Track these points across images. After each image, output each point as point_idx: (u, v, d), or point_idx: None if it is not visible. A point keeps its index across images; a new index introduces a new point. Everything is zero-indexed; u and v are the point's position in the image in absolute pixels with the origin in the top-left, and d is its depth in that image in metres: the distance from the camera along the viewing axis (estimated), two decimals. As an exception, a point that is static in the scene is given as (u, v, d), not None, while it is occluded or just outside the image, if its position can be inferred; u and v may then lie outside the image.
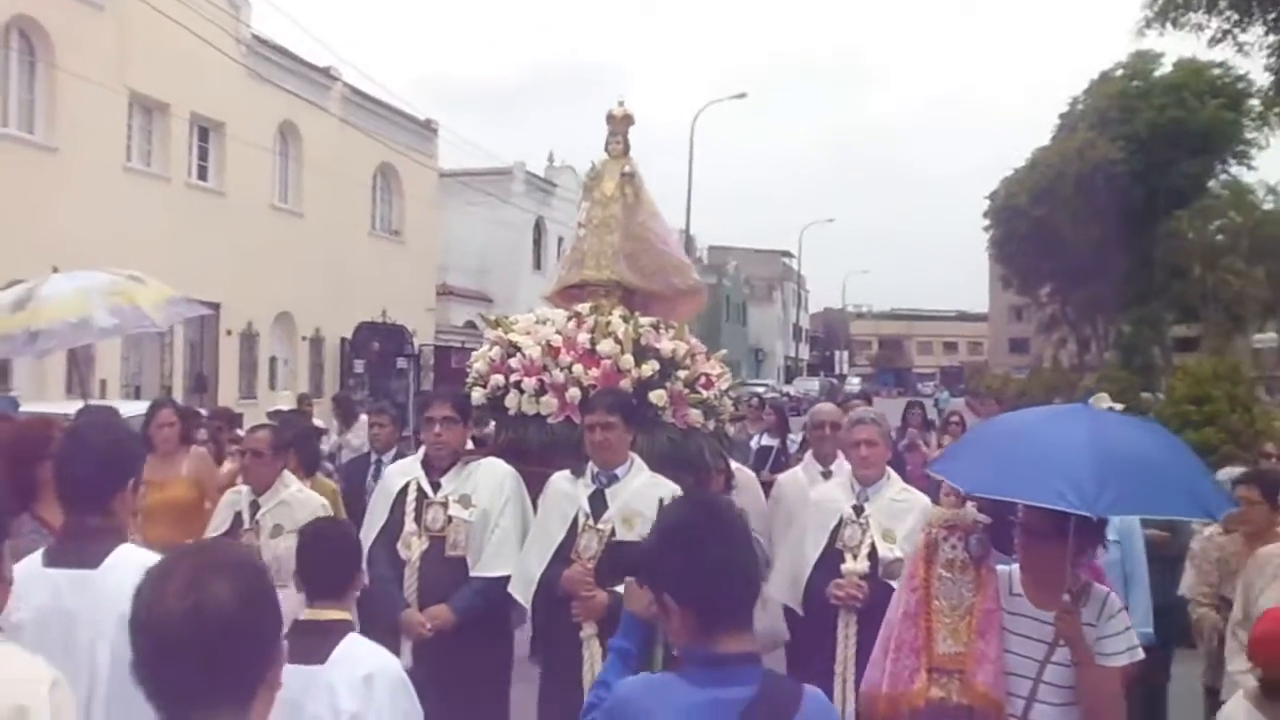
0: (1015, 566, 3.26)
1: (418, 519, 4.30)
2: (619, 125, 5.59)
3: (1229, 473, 6.00)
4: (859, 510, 4.39)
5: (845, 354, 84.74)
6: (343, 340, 24.97)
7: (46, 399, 13.48)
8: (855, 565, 4.27)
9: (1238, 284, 32.63)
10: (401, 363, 26.57)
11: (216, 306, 20.07)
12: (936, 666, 3.20)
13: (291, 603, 3.99)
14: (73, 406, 7.90)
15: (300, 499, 4.59)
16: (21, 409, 9.12)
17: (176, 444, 5.87)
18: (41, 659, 1.99)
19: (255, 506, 4.58)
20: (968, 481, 3.33)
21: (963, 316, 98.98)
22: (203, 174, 20.99)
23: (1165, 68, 36.54)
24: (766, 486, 10.27)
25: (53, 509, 4.09)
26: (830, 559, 4.34)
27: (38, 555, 2.62)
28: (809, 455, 5.77)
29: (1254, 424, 9.90)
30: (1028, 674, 3.09)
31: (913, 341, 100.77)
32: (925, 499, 4.51)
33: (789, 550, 4.73)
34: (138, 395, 17.73)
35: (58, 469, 2.79)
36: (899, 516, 4.35)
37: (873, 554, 4.27)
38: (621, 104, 5.62)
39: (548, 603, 4.18)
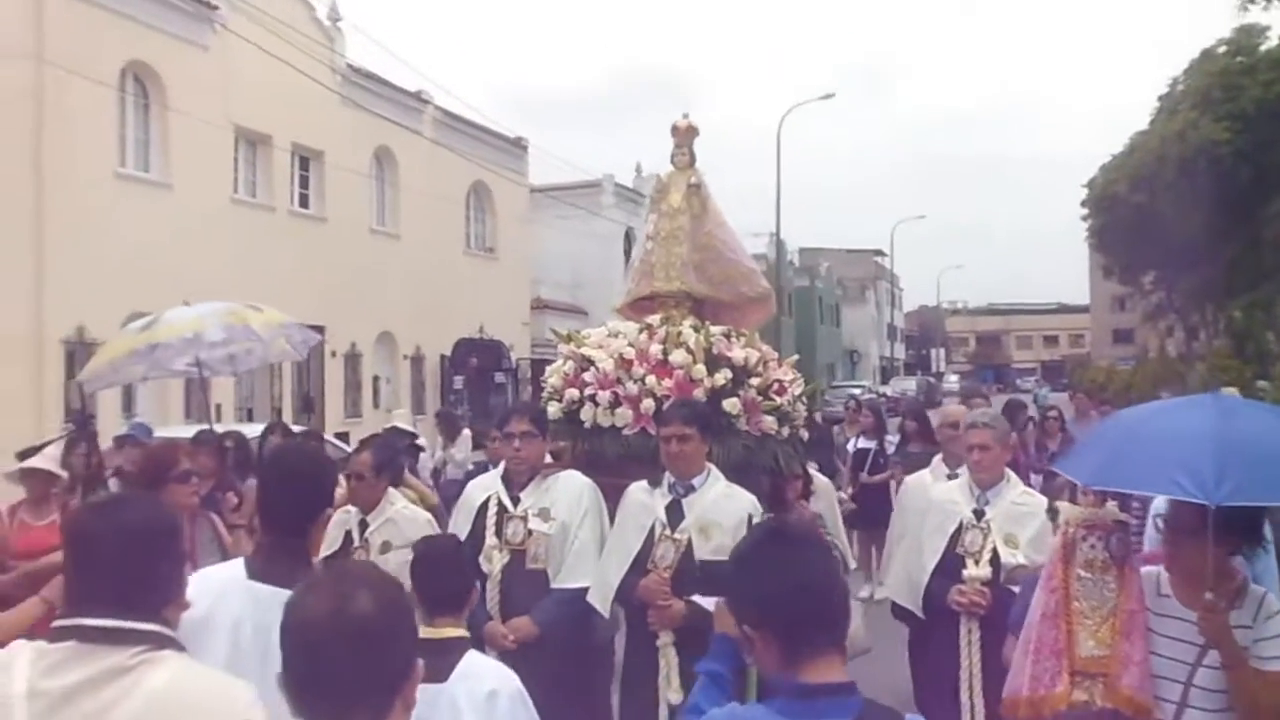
0: (1164, 566, 3.17)
1: (498, 533, 4.36)
2: (684, 137, 5.63)
3: None
4: (979, 514, 4.31)
5: (941, 352, 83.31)
6: (442, 357, 25.56)
7: (168, 424, 14.17)
8: (977, 571, 4.21)
9: (1357, 264, 31.19)
10: (499, 377, 27.12)
11: (321, 329, 20.74)
12: (1079, 669, 3.12)
13: None
14: (191, 430, 8.38)
15: (407, 516, 4.68)
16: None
17: None
18: (232, 674, 2.07)
19: (364, 525, 4.67)
20: (1084, 474, 3.27)
21: (1063, 309, 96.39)
22: (304, 201, 21.77)
23: (1271, 41, 35.13)
24: (866, 488, 10.24)
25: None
26: (950, 564, 4.29)
27: (240, 565, 2.77)
28: (938, 458, 5.73)
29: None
30: (1178, 678, 2.97)
31: (1011, 336, 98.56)
32: (1046, 501, 4.43)
33: (906, 553, 4.70)
34: (250, 418, 18.48)
35: (262, 490, 3.04)
36: (1021, 520, 4.27)
37: (994, 559, 4.20)
38: (686, 116, 5.67)
39: (627, 611, 4.24)
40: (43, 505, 5.28)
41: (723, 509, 4.08)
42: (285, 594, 2.41)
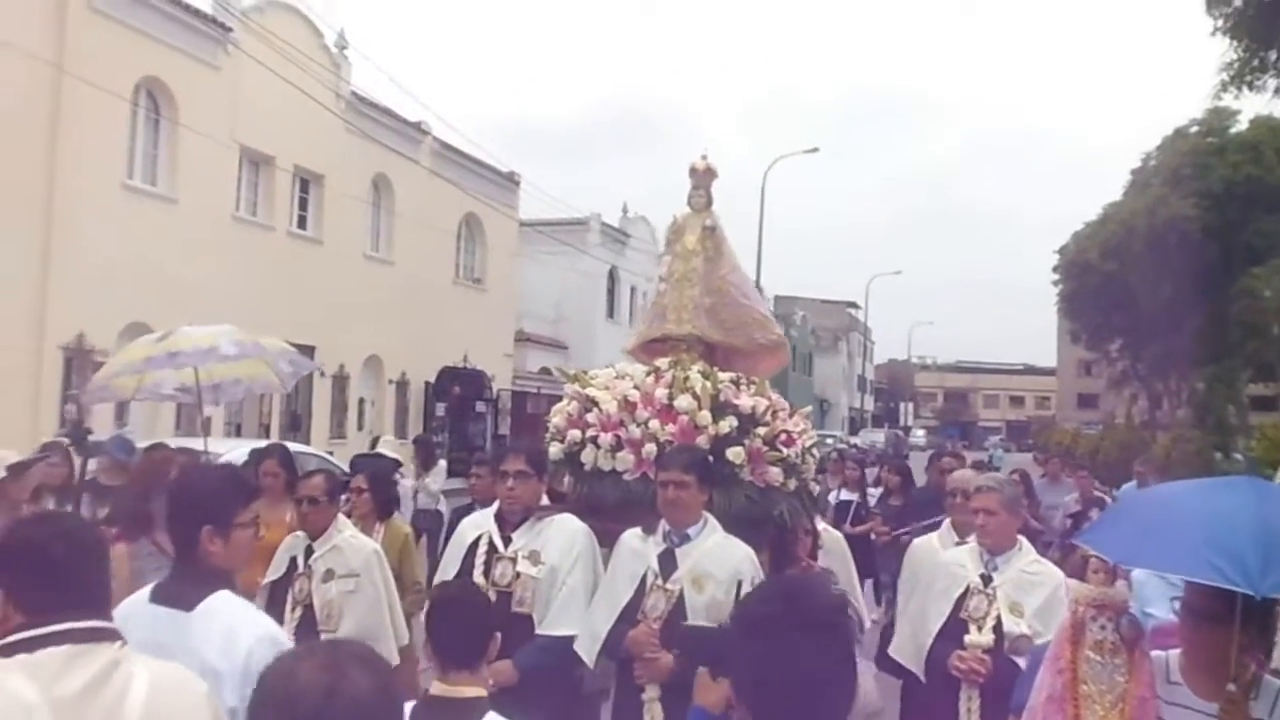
0: (1175, 652, 3.03)
1: (486, 573, 4.19)
2: (702, 179, 5.50)
3: None
4: (986, 580, 4.21)
5: (910, 406, 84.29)
6: (427, 384, 25.83)
7: (157, 437, 14.35)
8: (979, 638, 4.09)
9: (1317, 343, 32.16)
10: (480, 406, 27.39)
11: (312, 349, 21.04)
12: None
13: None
14: (179, 444, 8.61)
15: (353, 545, 4.52)
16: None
17: (281, 492, 5.67)
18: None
19: (310, 551, 4.51)
20: (1115, 551, 3.12)
21: (1030, 370, 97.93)
22: (302, 223, 22.12)
23: (1241, 125, 36.41)
24: (847, 539, 10.48)
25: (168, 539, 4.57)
26: (954, 628, 4.18)
27: (146, 590, 2.71)
28: (947, 523, 5.47)
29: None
30: None
31: (978, 394, 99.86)
32: (1059, 573, 4.33)
33: (912, 616, 4.59)
34: (239, 433, 18.68)
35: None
36: (1029, 589, 4.16)
37: (998, 627, 4.09)
38: (704, 158, 5.53)
39: (615, 663, 4.08)
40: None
41: (717, 560, 3.95)
42: (178, 615, 2.54)
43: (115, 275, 16.18)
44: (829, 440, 32.92)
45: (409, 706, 2.58)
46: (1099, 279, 39.44)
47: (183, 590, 2.59)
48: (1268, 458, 12.30)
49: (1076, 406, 74.11)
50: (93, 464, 7.34)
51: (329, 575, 4.38)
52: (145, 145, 17.95)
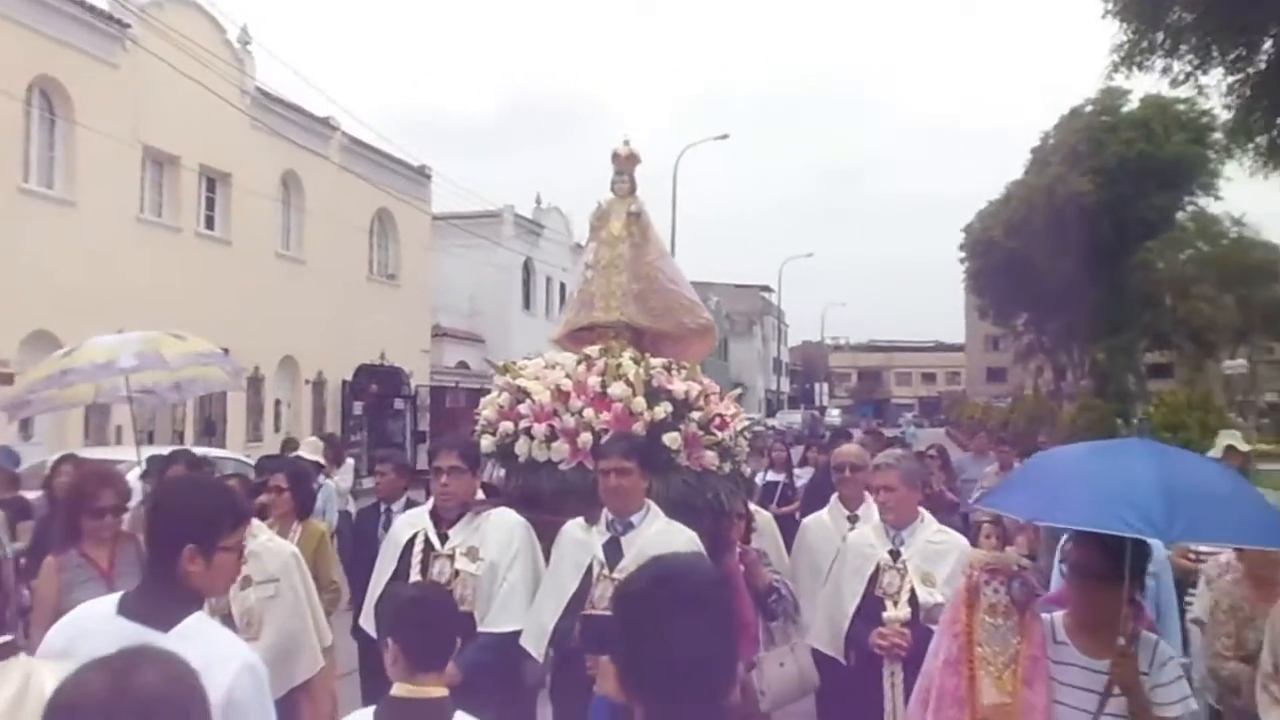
0: (1059, 613, 3.15)
1: (424, 572, 4.11)
2: (625, 164, 5.45)
3: None
4: (895, 555, 4.28)
5: (825, 386, 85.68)
6: (344, 383, 25.47)
7: (65, 447, 13.94)
8: (896, 612, 4.16)
9: (1208, 311, 33.64)
10: (398, 404, 27.13)
11: (225, 352, 20.54)
12: (982, 718, 3.04)
13: (257, 654, 4.14)
14: (91, 453, 8.41)
15: (270, 549, 4.39)
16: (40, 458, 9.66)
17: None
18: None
19: None
20: (1019, 509, 3.25)
21: (940, 347, 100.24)
22: (210, 224, 21.55)
23: (1133, 103, 37.72)
24: (775, 521, 10.63)
25: (99, 549, 4.42)
26: (870, 607, 4.23)
27: (114, 600, 2.60)
28: (835, 498, 5.51)
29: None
30: None
31: (891, 373, 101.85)
32: (964, 540, 4.49)
33: (827, 599, 4.58)
34: (151, 440, 18.18)
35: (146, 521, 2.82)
36: (936, 559, 4.24)
37: (913, 599, 4.17)
38: (627, 143, 5.48)
39: (560, 654, 4.02)
40: None
41: (663, 546, 3.76)
42: (149, 633, 2.35)
43: (14, 283, 15.63)
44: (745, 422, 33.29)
45: (371, 711, 2.62)
46: (1003, 256, 40.60)
47: (157, 608, 2.46)
48: (1165, 422, 12.88)
49: (986, 380, 76.25)
50: None
51: (246, 582, 4.23)
52: (41, 147, 17.30)
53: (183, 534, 2.51)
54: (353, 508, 10.15)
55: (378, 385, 25.81)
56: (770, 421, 49.90)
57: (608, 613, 3.10)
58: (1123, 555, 2.80)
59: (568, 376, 4.83)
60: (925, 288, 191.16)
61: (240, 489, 4.57)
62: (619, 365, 4.78)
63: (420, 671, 2.58)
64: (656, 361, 4.89)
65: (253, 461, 11.96)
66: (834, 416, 61.79)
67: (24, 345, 15.75)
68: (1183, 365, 33.53)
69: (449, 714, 2.54)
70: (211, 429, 20.80)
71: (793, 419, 54.05)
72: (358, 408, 25.68)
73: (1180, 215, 38.26)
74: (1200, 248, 35.22)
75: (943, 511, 8.96)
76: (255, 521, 4.50)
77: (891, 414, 77.24)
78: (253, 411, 22.63)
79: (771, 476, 10.70)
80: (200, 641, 2.42)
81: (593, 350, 5.04)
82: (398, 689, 2.59)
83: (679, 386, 4.76)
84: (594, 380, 4.74)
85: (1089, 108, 39.03)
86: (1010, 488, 3.60)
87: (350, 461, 11.34)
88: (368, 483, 11.29)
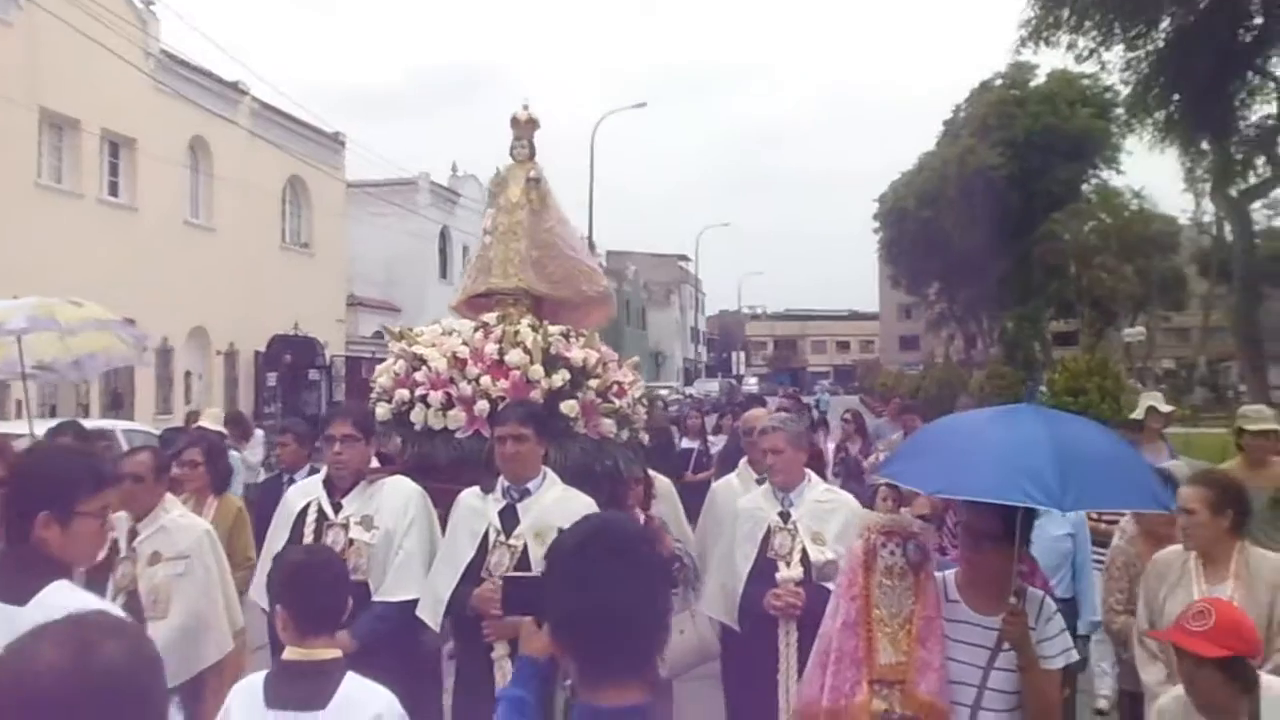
0: (950, 572, 3.23)
1: (317, 541, 4.04)
2: (524, 130, 5.39)
3: None
4: (785, 517, 4.33)
5: (742, 355, 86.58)
6: (257, 353, 24.99)
7: (-36, 420, 13.51)
8: (789, 573, 4.20)
9: (1110, 281, 34.75)
10: (313, 374, 26.71)
11: (131, 322, 20.00)
12: (878, 678, 3.08)
13: (162, 635, 3.87)
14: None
15: (182, 525, 4.27)
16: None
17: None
18: None
19: (134, 534, 4.20)
20: (921, 482, 3.29)
21: (854, 315, 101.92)
22: (114, 190, 20.89)
23: (1040, 78, 38.68)
24: (690, 488, 10.77)
25: None
26: (763, 569, 4.26)
27: None
28: (744, 462, 5.54)
29: (1120, 413, 11.01)
30: (971, 681, 3.02)
31: (807, 341, 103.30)
32: (850, 498, 4.57)
33: (719, 564, 4.57)
34: (54, 414, 17.65)
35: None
36: (825, 518, 4.31)
37: (805, 559, 4.22)
38: (526, 108, 5.41)
39: (459, 622, 4.00)
40: None
41: (560, 513, 3.77)
42: (9, 610, 2.24)
43: (-95, 251, 15.02)
44: (663, 392, 33.54)
45: (263, 675, 2.64)
46: (915, 226, 41.43)
47: (14, 581, 2.35)
48: (1066, 387, 13.38)
49: (899, 349, 77.80)
50: None
51: (155, 558, 4.12)
52: (-69, 110, 16.62)
53: (37, 500, 2.43)
54: (262, 479, 10.03)
55: (292, 356, 25.38)
56: (688, 390, 50.33)
57: (532, 574, 3.31)
58: (1012, 517, 2.91)
59: (465, 344, 4.77)
60: (840, 257, 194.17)
61: (153, 461, 4.36)
62: (516, 332, 4.75)
63: (311, 635, 2.61)
64: (554, 329, 4.87)
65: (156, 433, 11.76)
66: (751, 385, 62.51)
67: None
68: (1085, 334, 34.62)
69: (340, 675, 2.57)
70: (119, 402, 20.26)
71: (710, 387, 54.45)
72: (271, 379, 25.23)
73: (1084, 188, 39.45)
74: (1103, 219, 36.31)
75: (855, 481, 9.25)
76: (168, 496, 4.40)
77: (807, 382, 78.40)
78: (162, 383, 22.09)
79: (686, 444, 10.83)
80: (59, 608, 2.32)
81: (490, 317, 5.01)
82: (289, 652, 2.61)
83: (577, 354, 4.75)
84: (491, 347, 4.70)
85: (998, 81, 39.90)
86: (908, 456, 3.60)
87: (260, 434, 11.13)
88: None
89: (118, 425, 12.48)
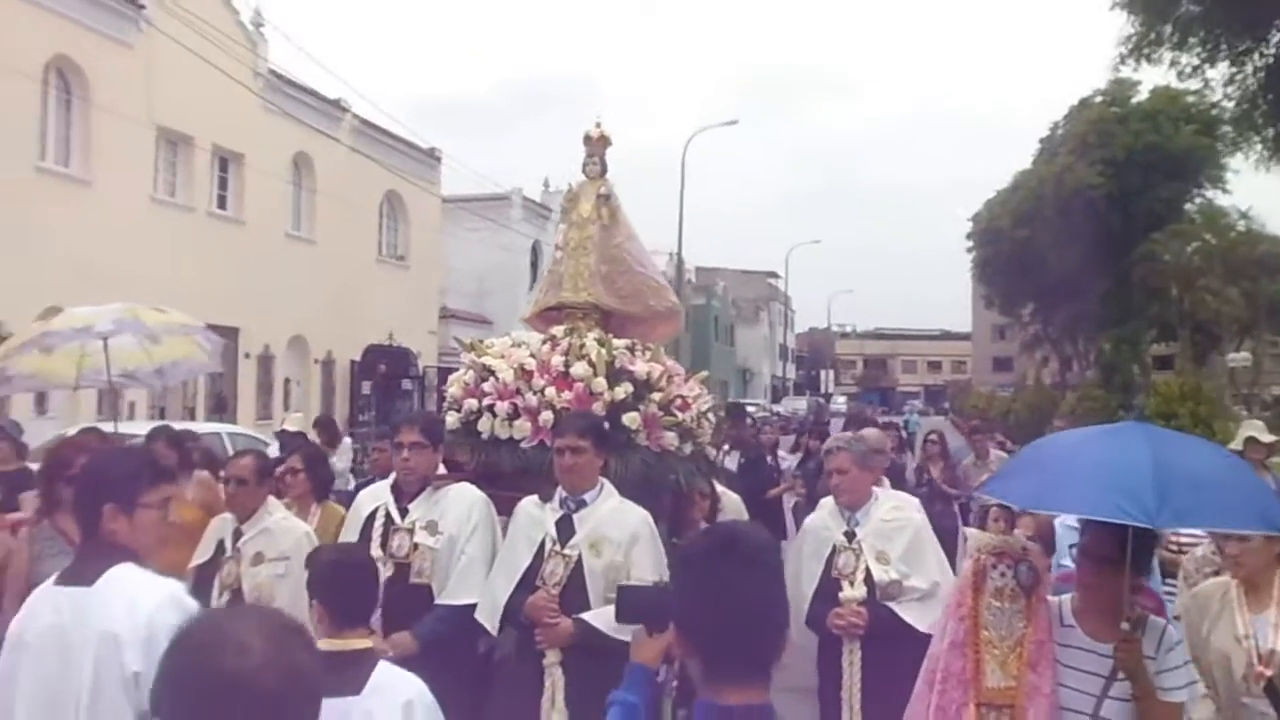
0: (1067, 596, 3.16)
1: (384, 545, 4.18)
2: (596, 147, 5.50)
3: None
4: (850, 536, 4.36)
5: (830, 373, 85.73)
6: (352, 362, 25.75)
7: (78, 422, 14.24)
8: (852, 592, 4.24)
9: (1214, 304, 33.66)
10: (406, 384, 27.38)
11: (235, 330, 20.89)
12: (986, 701, 3.05)
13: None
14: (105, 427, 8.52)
15: (283, 527, 4.44)
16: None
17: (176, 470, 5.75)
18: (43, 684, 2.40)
19: (239, 534, 4.39)
20: (1019, 498, 3.24)
21: (946, 335, 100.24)
22: (223, 203, 21.85)
23: (1142, 95, 37.68)
24: (760, 504, 10.57)
25: (72, 522, 4.31)
26: (828, 588, 4.32)
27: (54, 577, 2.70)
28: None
29: (1215, 440, 10.74)
30: (1083, 709, 2.93)
31: (897, 360, 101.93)
32: (919, 516, 4.57)
33: (787, 583, 4.84)
34: (162, 416, 18.48)
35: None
36: (891, 536, 4.34)
37: (869, 578, 4.25)
38: (599, 125, 5.51)
39: (516, 629, 4.10)
40: None
41: (614, 524, 3.99)
42: (78, 591, 2.51)
43: (31, 260, 15.88)
44: (750, 409, 33.46)
45: None
46: (1010, 245, 40.61)
47: (84, 569, 2.57)
48: (1158, 411, 13.07)
49: (992, 370, 76.22)
50: None
51: (259, 559, 4.28)
52: (58, 126, 17.60)
53: (102, 494, 2.63)
54: (352, 487, 10.34)
55: (386, 365, 26.06)
56: (775, 408, 50.17)
57: (646, 584, 3.36)
58: (1126, 538, 2.83)
59: (532, 356, 4.89)
60: (933, 275, 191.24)
61: (255, 465, 4.57)
62: (582, 345, 4.84)
63: (345, 627, 2.79)
64: (620, 342, 4.94)
65: (264, 438, 12.28)
66: (839, 404, 61.96)
67: (44, 318, 16.01)
68: (1183, 358, 33.57)
69: (372, 664, 2.72)
70: (223, 406, 21.10)
71: (798, 405, 54.25)
72: (366, 387, 25.94)
73: (1188, 207, 38.27)
74: (1207, 240, 35.18)
75: (939, 502, 9.23)
76: (271, 499, 4.58)
77: (897, 402, 77.28)
78: (263, 389, 22.94)
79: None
80: (123, 583, 2.54)
81: (558, 330, 5.12)
82: (323, 643, 2.74)
83: (641, 367, 4.82)
84: (557, 360, 4.80)
85: (1098, 98, 39.00)
86: (1009, 474, 3.59)
87: (348, 441, 11.46)
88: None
89: (223, 429, 13.07)
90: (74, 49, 17.40)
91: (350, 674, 2.65)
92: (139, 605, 2.48)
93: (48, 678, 2.47)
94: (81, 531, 2.69)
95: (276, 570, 4.26)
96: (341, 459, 10.75)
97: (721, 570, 1.81)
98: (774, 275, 72.68)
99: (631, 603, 2.44)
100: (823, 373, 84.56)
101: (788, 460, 10.96)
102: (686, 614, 1.86)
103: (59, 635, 2.48)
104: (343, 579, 2.91)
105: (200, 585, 4.22)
